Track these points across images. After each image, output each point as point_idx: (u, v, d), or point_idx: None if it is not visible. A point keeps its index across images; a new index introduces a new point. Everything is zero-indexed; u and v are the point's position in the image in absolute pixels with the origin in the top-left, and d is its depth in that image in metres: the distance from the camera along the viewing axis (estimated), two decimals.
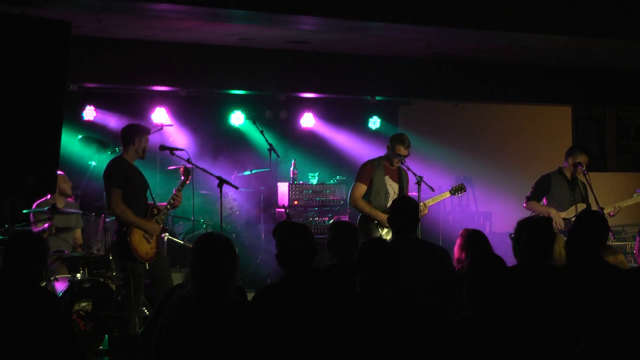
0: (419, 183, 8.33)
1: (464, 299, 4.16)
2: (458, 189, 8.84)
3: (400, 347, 4.34)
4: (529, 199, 9.16)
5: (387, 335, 4.34)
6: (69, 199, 8.90)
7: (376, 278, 4.45)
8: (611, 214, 8.85)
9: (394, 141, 8.45)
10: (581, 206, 8.98)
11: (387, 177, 8.46)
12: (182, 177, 8.07)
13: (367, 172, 8.42)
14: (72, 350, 4.83)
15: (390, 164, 8.47)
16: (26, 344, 4.60)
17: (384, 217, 8.04)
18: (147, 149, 7.83)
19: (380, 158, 8.56)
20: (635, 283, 4.85)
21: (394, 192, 8.41)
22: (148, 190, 7.87)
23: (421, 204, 8.19)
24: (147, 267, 7.63)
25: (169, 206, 7.94)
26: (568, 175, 9.13)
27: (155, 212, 7.78)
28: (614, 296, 4.68)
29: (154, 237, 7.69)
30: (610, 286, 4.72)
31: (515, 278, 4.36)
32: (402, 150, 8.40)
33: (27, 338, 4.61)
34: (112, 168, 7.65)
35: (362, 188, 8.38)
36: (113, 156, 8.29)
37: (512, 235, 5.30)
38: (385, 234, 8.23)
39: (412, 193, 8.59)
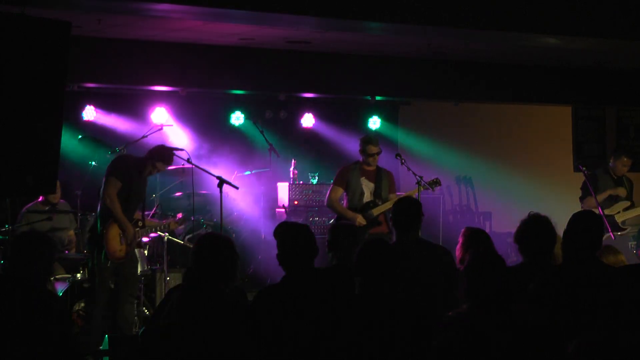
0: (419, 183, 8.43)
1: (462, 296, 4.16)
2: (433, 183, 8.82)
3: (400, 347, 4.34)
4: (581, 199, 9.43)
5: (387, 335, 4.34)
6: (61, 200, 8.92)
7: (376, 278, 4.45)
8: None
9: (363, 143, 8.68)
10: (625, 204, 9.39)
11: (362, 179, 8.64)
12: (177, 219, 8.16)
13: (342, 175, 8.71)
14: (72, 351, 4.82)
15: (368, 165, 8.65)
16: (26, 344, 4.59)
17: (352, 215, 8.45)
18: (154, 173, 7.88)
19: (357, 162, 8.77)
20: (629, 282, 4.86)
21: (370, 192, 8.60)
22: (142, 203, 7.85)
23: (410, 194, 8.39)
24: (111, 266, 7.59)
25: (159, 229, 7.98)
26: (613, 173, 9.49)
27: (140, 225, 7.78)
28: (608, 296, 4.68)
29: (129, 242, 7.65)
30: (604, 286, 4.73)
31: (516, 277, 4.36)
32: (372, 149, 8.61)
33: (27, 338, 4.60)
34: (122, 161, 7.72)
35: (338, 191, 8.67)
36: (113, 156, 8.29)
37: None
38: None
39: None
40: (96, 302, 7.56)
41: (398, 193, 8.74)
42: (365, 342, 4.34)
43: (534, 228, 5.19)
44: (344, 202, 8.73)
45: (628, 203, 9.44)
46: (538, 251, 5.15)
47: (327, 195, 8.79)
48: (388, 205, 8.36)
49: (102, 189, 7.64)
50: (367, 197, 8.59)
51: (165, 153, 7.85)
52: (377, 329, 4.35)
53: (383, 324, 4.35)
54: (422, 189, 8.67)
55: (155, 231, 8.12)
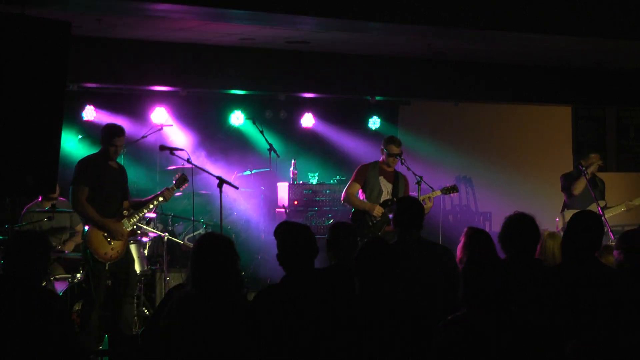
0: (419, 183, 8.51)
1: (460, 297, 4.15)
2: (450, 189, 8.99)
3: (400, 347, 4.34)
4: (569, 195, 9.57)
5: (387, 335, 4.34)
6: (61, 198, 8.90)
7: (376, 278, 4.45)
8: None
9: (385, 143, 8.80)
10: (601, 203, 9.35)
11: (381, 177, 8.76)
12: (174, 182, 8.01)
13: (361, 172, 8.81)
14: (73, 350, 4.82)
15: (387, 165, 8.75)
16: (27, 344, 4.59)
17: (370, 206, 8.56)
18: (119, 151, 7.71)
19: (376, 161, 8.86)
20: (628, 282, 4.86)
21: (387, 192, 8.70)
22: (124, 189, 7.73)
23: (424, 197, 8.51)
24: (107, 267, 7.50)
25: (150, 207, 7.86)
26: (585, 175, 9.48)
27: (126, 214, 7.67)
28: (607, 296, 4.68)
29: (116, 239, 7.57)
30: (603, 286, 4.73)
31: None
32: (394, 149, 8.70)
33: (28, 338, 4.60)
34: (82, 165, 7.55)
35: (356, 187, 8.77)
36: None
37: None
38: (373, 225, 8.53)
39: (414, 194, 8.66)
40: (94, 305, 7.51)
41: (412, 193, 8.75)
42: (365, 342, 4.34)
43: (518, 226, 5.18)
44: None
45: (604, 202, 9.46)
46: (522, 249, 5.14)
47: (344, 190, 8.85)
48: None
49: (70, 200, 7.56)
50: (384, 196, 8.68)
51: (110, 128, 7.71)
52: (377, 329, 4.35)
53: (383, 324, 4.35)
54: (438, 193, 8.82)
55: (149, 210, 7.92)
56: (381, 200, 8.66)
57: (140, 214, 7.82)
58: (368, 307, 4.41)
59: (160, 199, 7.93)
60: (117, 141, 7.61)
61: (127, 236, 7.69)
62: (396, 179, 8.77)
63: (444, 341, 4.05)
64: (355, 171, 8.88)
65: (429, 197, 8.63)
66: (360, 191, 8.80)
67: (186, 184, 8.13)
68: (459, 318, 4.08)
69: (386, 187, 8.72)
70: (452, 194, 9.13)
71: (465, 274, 4.15)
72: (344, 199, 8.90)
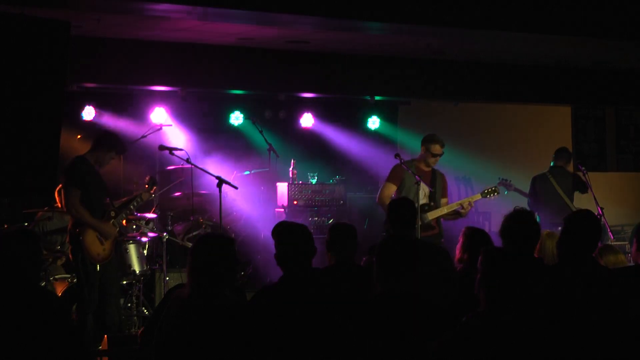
0: (418, 183, 8.31)
1: (478, 295, 4.12)
2: (490, 192, 8.62)
3: (406, 347, 4.34)
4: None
5: (391, 335, 4.34)
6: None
7: (395, 274, 4.43)
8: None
9: (428, 142, 8.41)
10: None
11: None
12: (146, 187, 8.01)
13: (398, 172, 8.35)
14: (74, 351, 4.81)
15: (426, 165, 8.41)
16: (28, 344, 4.58)
17: None
18: (106, 165, 7.68)
19: (412, 160, 8.51)
20: (625, 282, 4.85)
21: (425, 194, 8.26)
22: (106, 192, 7.71)
23: (464, 202, 8.34)
24: (98, 268, 7.47)
25: (132, 207, 7.86)
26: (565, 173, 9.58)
27: (113, 215, 7.65)
28: (604, 296, 4.68)
29: (108, 239, 7.57)
30: (600, 287, 4.72)
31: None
32: (437, 150, 8.37)
33: (28, 338, 4.59)
34: (72, 167, 7.48)
35: (392, 188, 8.35)
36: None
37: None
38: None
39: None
40: (89, 309, 7.46)
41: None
42: (364, 343, 4.34)
43: (519, 222, 5.18)
44: None
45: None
46: (522, 245, 5.12)
47: (379, 192, 8.45)
48: (444, 210, 8.26)
49: (62, 201, 7.51)
50: (422, 198, 8.17)
51: (118, 140, 7.73)
52: (394, 328, 4.34)
53: (402, 322, 4.34)
54: (478, 197, 8.55)
55: (131, 213, 7.95)
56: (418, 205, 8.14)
57: (125, 215, 7.83)
58: (386, 305, 4.39)
59: (139, 199, 7.95)
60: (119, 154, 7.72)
61: (116, 236, 7.71)
62: (434, 179, 8.40)
63: (467, 339, 4.00)
64: (390, 171, 8.44)
65: (469, 202, 8.37)
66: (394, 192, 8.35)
67: (155, 187, 8.17)
68: (482, 314, 4.05)
69: (423, 190, 8.21)
70: (492, 197, 8.65)
71: (486, 271, 4.11)
72: (378, 201, 8.45)
